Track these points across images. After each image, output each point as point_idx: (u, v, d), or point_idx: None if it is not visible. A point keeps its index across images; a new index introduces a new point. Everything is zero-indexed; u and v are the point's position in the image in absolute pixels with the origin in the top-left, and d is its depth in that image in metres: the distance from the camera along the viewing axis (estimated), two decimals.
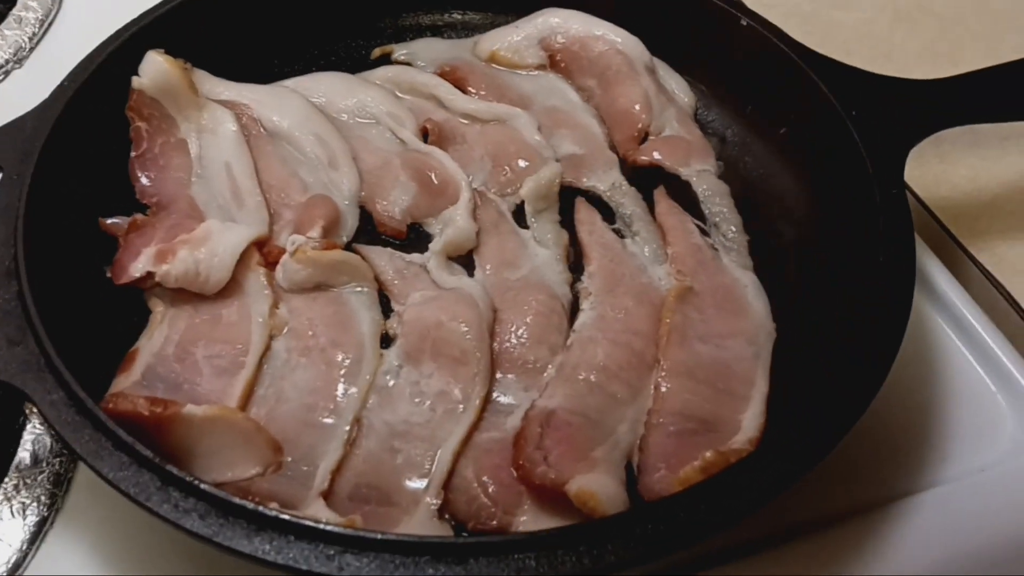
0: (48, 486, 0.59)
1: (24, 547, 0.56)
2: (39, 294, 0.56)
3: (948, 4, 0.98)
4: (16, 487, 0.58)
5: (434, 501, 0.54)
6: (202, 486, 0.47)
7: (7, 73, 0.86)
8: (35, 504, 0.58)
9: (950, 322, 0.70)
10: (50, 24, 0.91)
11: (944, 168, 0.82)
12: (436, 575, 0.45)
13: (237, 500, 0.47)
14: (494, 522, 0.54)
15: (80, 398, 0.51)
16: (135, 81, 0.70)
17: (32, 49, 0.88)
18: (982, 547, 0.60)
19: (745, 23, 0.75)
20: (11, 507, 0.57)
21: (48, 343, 0.53)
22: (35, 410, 0.61)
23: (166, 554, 0.57)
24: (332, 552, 0.46)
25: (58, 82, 0.68)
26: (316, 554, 0.46)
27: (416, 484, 0.55)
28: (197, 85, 0.73)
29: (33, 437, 0.61)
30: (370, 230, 0.70)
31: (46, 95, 0.68)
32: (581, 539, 0.47)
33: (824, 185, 0.69)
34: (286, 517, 0.46)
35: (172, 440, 0.51)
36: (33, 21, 0.89)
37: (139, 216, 0.67)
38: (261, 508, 0.46)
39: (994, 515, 0.61)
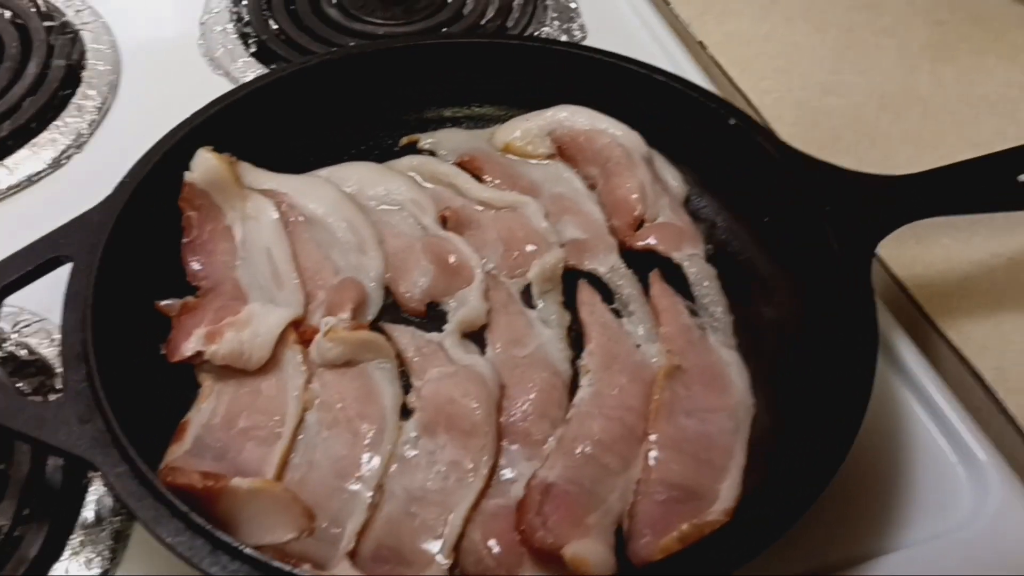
0: (109, 542, 0.65)
1: None
2: (105, 375, 0.62)
3: (933, 91, 1.02)
4: (82, 543, 0.65)
5: (446, 562, 0.61)
6: (246, 551, 0.54)
7: (69, 158, 0.93)
8: (98, 559, 0.64)
9: (916, 395, 0.75)
10: (107, 111, 0.98)
11: (920, 249, 0.86)
12: None
13: (276, 563, 0.53)
14: None
15: (142, 471, 0.57)
16: (187, 176, 0.77)
17: (91, 135, 0.95)
18: None
19: (733, 122, 0.81)
20: (78, 561, 0.64)
21: (114, 421, 0.59)
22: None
23: None
24: None
25: (115, 165, 0.74)
26: None
27: (430, 546, 0.62)
28: (241, 176, 0.79)
29: (96, 498, 0.67)
30: (393, 308, 0.77)
31: (105, 177, 0.74)
32: None
33: (800, 271, 0.74)
34: None
35: (220, 507, 0.58)
36: (91, 108, 0.97)
37: (190, 299, 0.74)
38: (297, 571, 0.53)
39: None
